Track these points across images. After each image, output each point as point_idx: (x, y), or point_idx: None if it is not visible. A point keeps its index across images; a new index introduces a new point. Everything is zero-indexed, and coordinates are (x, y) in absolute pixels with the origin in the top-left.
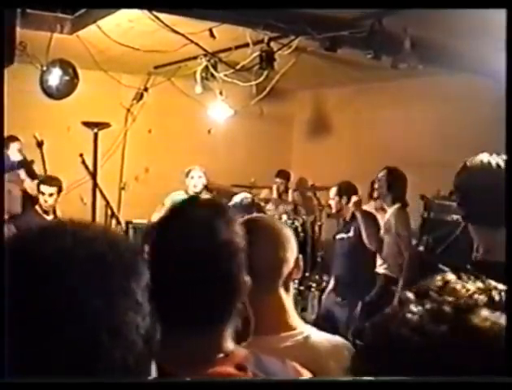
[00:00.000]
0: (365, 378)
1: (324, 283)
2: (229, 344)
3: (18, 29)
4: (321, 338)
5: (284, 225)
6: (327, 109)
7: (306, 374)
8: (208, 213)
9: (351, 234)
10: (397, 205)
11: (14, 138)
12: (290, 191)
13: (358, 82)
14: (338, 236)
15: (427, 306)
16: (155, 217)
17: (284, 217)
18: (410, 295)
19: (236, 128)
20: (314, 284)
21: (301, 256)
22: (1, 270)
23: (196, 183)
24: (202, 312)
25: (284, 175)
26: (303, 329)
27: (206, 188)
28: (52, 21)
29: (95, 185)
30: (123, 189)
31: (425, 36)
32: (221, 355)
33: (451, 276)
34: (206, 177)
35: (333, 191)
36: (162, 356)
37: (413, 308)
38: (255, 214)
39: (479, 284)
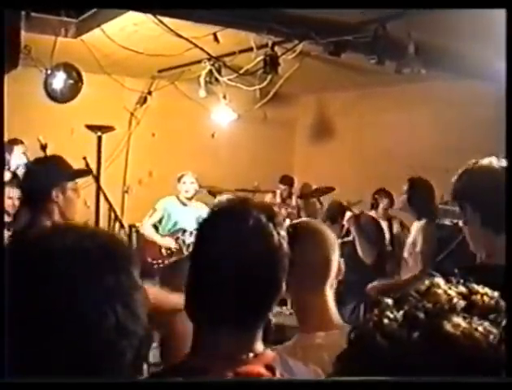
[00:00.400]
0: (366, 378)
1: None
2: (259, 345)
3: (22, 33)
4: None
5: (330, 229)
6: (330, 113)
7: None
8: (260, 216)
9: (349, 238)
10: (423, 221)
11: (18, 141)
12: (294, 196)
13: (362, 87)
14: (339, 240)
15: (402, 312)
16: (146, 221)
17: (287, 221)
18: (389, 300)
19: (240, 132)
20: (335, 285)
21: (342, 259)
22: (1, 269)
23: (188, 188)
24: (243, 313)
25: (287, 180)
26: (344, 329)
27: (210, 192)
28: (56, 25)
29: (98, 189)
30: (127, 193)
31: (429, 41)
32: (251, 355)
33: (438, 280)
34: (198, 183)
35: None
36: (197, 352)
37: (389, 313)
38: (303, 219)
39: (462, 289)
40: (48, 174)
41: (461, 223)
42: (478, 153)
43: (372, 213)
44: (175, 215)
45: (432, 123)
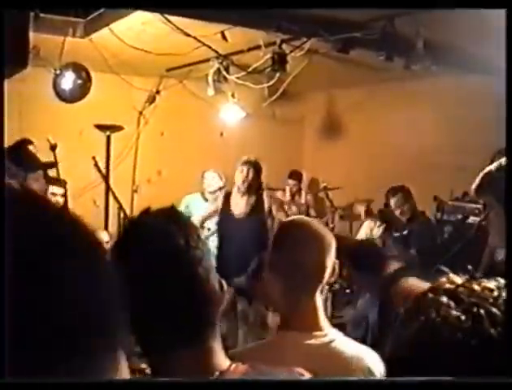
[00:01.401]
0: (365, 378)
1: (337, 285)
2: (222, 361)
3: (31, 33)
4: (345, 344)
5: (328, 230)
6: (338, 111)
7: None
8: (160, 220)
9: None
10: None
11: (28, 141)
12: (303, 192)
13: (370, 84)
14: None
15: (465, 308)
16: None
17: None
18: (445, 299)
19: (248, 130)
20: (326, 286)
21: (337, 261)
22: (1, 267)
23: (210, 183)
24: (183, 332)
25: (296, 176)
26: (330, 332)
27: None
28: (65, 25)
29: (108, 188)
30: (136, 192)
31: (438, 38)
32: (217, 373)
33: (457, 279)
34: (223, 179)
35: None
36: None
37: (453, 312)
38: (301, 216)
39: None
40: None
41: (471, 219)
42: (488, 150)
43: None
44: (195, 212)
45: (441, 120)
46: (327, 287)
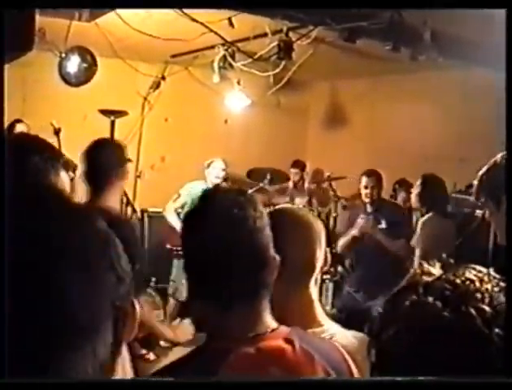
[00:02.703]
0: (365, 378)
1: (338, 275)
2: (272, 321)
3: (37, 16)
4: (345, 337)
5: (317, 218)
6: (343, 100)
7: (341, 349)
8: (227, 196)
9: (382, 226)
10: (427, 215)
11: (18, 120)
12: (306, 182)
13: (376, 74)
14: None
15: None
16: (170, 206)
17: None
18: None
19: (253, 118)
20: (328, 276)
21: (328, 249)
22: (1, 267)
23: (217, 174)
24: (245, 291)
25: (299, 165)
26: (329, 327)
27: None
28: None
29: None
30: (139, 178)
31: (445, 29)
32: (269, 330)
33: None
34: (227, 170)
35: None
36: (216, 335)
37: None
38: (286, 205)
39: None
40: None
41: (478, 212)
42: (492, 144)
43: None
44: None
45: (446, 113)
46: (325, 276)
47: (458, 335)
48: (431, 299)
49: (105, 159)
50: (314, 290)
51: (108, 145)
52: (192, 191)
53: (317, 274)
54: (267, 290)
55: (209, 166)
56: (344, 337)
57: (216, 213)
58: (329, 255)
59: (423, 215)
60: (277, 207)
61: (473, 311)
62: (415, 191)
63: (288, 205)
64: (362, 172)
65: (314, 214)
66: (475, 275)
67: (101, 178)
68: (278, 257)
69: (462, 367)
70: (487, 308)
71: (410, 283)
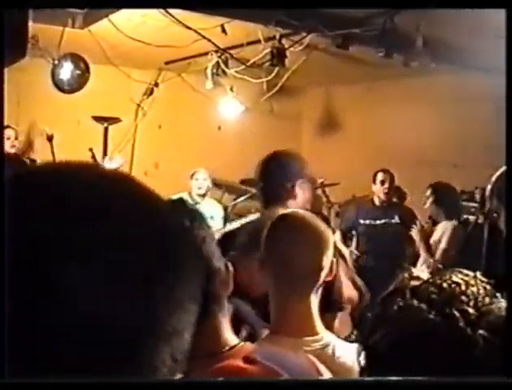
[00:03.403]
0: (365, 378)
1: None
2: (231, 338)
3: (30, 23)
4: (341, 347)
5: (326, 225)
6: (337, 106)
7: (319, 365)
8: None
9: (396, 221)
10: (452, 222)
11: (6, 126)
12: None
13: (369, 80)
14: (378, 222)
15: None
16: None
17: None
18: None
19: (247, 125)
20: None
21: (335, 260)
22: (1, 266)
23: (201, 185)
24: None
25: None
26: (325, 336)
27: (215, 184)
28: (64, 15)
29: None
30: None
31: (437, 35)
32: (226, 348)
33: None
34: (211, 180)
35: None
36: None
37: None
38: (295, 210)
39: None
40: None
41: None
42: (488, 149)
43: None
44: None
45: (439, 118)
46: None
47: (443, 337)
48: (416, 302)
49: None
50: (314, 300)
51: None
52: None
53: (320, 284)
54: (219, 303)
55: (192, 177)
56: (341, 348)
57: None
58: (335, 266)
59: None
60: (283, 212)
61: (456, 313)
62: (431, 199)
63: (296, 210)
64: (377, 170)
65: (323, 222)
66: (461, 279)
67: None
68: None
69: (447, 369)
70: (471, 310)
71: (398, 287)
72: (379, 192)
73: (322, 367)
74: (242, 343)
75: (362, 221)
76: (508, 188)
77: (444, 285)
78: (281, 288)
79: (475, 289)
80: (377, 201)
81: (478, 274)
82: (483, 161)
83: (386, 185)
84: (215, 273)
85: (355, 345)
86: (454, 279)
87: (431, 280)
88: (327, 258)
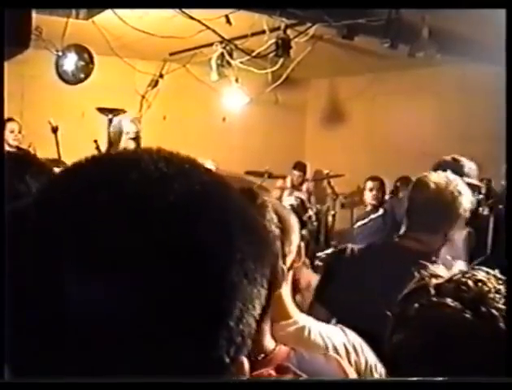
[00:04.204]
0: (365, 378)
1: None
2: (269, 342)
3: (34, 14)
4: (316, 328)
5: (287, 209)
6: (342, 97)
7: (349, 369)
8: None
9: (380, 212)
10: None
11: (10, 119)
12: (306, 182)
13: (374, 71)
14: (363, 222)
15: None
16: None
17: (295, 204)
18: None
19: (251, 116)
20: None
21: (302, 244)
22: (2, 267)
23: None
24: None
25: (301, 167)
26: (299, 319)
27: None
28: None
29: None
30: None
31: (443, 25)
32: (262, 355)
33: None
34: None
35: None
36: None
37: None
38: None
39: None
40: None
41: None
42: (492, 141)
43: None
44: None
45: (444, 109)
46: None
47: (482, 336)
48: (446, 300)
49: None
50: (284, 286)
51: None
52: None
53: (288, 268)
54: (268, 309)
55: None
56: (316, 329)
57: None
58: (303, 250)
59: None
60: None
61: (495, 312)
62: None
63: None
64: (367, 178)
65: (284, 206)
66: (484, 277)
67: None
68: (285, 268)
69: (485, 367)
70: (503, 307)
71: (420, 285)
72: (368, 199)
73: (349, 369)
74: (278, 346)
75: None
76: (508, 187)
77: (470, 283)
78: None
79: (500, 287)
80: (368, 208)
81: (496, 272)
82: (488, 152)
83: (374, 192)
84: (278, 276)
85: (332, 326)
86: (478, 276)
87: (454, 278)
88: (292, 244)
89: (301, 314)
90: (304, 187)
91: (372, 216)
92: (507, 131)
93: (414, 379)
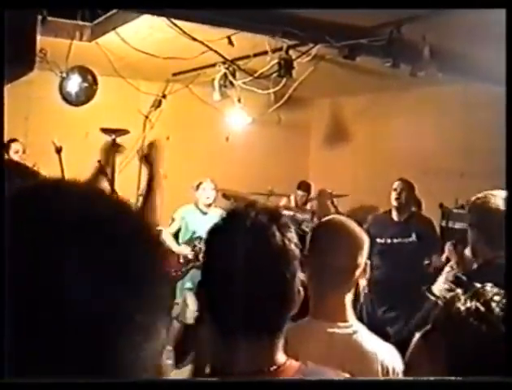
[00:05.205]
0: (366, 378)
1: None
2: (281, 356)
3: (38, 36)
4: (367, 338)
5: (362, 230)
6: (344, 117)
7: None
8: (260, 217)
9: (413, 239)
10: None
11: (13, 140)
12: (310, 202)
13: (376, 90)
14: (394, 240)
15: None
16: (166, 232)
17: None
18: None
19: (254, 136)
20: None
21: (369, 262)
22: (2, 269)
23: (208, 195)
24: (254, 321)
25: (305, 187)
26: (354, 324)
27: (224, 195)
28: (72, 28)
29: (113, 192)
30: (142, 196)
31: (444, 45)
32: (274, 367)
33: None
34: (217, 190)
35: None
36: (218, 363)
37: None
38: (335, 216)
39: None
40: None
41: None
42: (492, 158)
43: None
44: (192, 225)
45: (446, 127)
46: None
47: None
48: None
49: None
50: (348, 293)
51: None
52: (186, 217)
53: (355, 280)
54: (285, 326)
55: (198, 187)
56: (366, 336)
57: (243, 232)
58: (368, 268)
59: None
60: (326, 218)
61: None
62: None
63: (337, 217)
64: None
65: (358, 227)
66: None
67: None
68: (302, 291)
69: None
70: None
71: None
72: (392, 199)
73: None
74: (289, 361)
75: (378, 240)
76: (508, 191)
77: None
78: (321, 281)
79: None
80: (394, 215)
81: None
82: (490, 170)
83: (397, 192)
84: (295, 296)
85: (385, 343)
86: (496, 298)
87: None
88: (362, 258)
89: (356, 321)
90: (308, 207)
91: (401, 239)
92: (507, 132)
93: (414, 378)
